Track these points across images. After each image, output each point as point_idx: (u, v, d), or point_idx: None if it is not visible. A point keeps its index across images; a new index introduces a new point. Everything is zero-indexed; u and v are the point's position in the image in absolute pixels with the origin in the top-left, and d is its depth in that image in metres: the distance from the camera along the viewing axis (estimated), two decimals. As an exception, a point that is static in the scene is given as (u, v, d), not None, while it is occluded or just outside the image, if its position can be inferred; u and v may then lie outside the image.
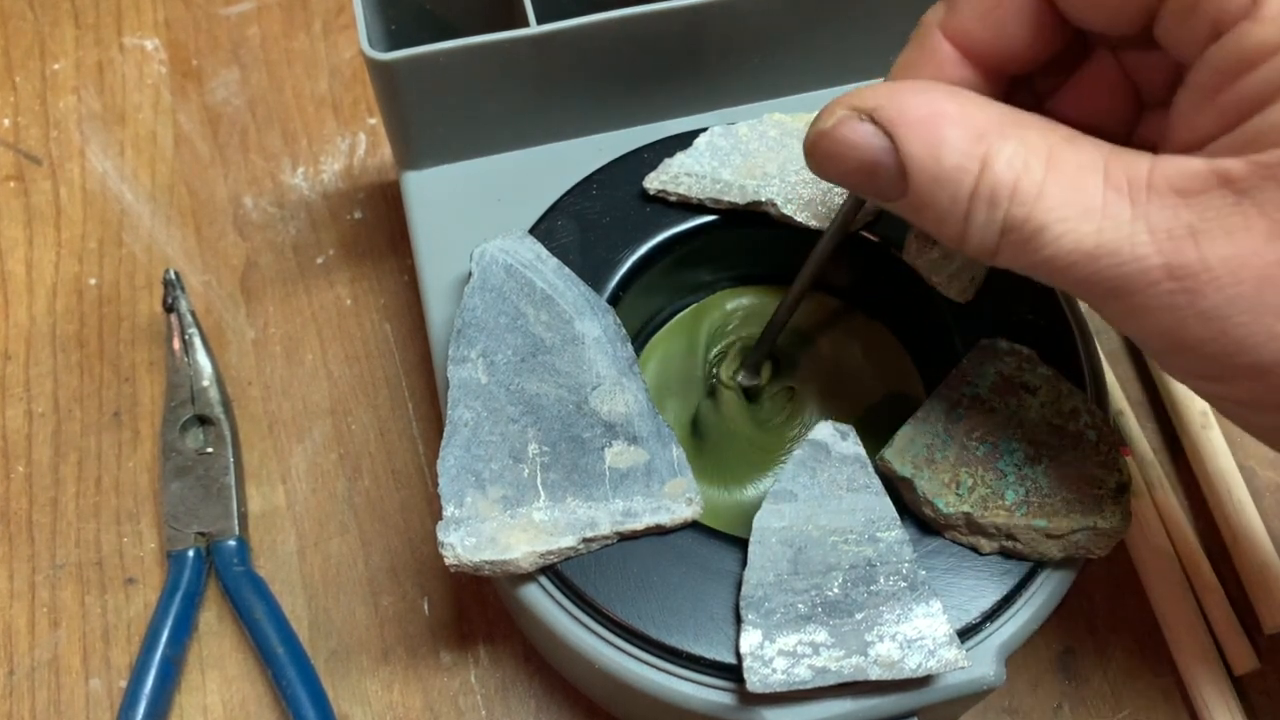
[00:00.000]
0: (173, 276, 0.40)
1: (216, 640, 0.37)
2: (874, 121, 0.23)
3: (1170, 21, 0.22)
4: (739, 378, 0.34)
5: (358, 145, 0.47)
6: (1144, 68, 0.26)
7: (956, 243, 0.23)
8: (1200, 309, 0.21)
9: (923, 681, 0.27)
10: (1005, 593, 0.28)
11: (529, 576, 0.29)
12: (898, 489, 0.29)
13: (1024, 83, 0.27)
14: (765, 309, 0.37)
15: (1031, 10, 0.24)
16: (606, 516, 0.29)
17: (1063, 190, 0.21)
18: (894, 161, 0.23)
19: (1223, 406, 0.24)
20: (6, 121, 0.47)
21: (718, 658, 0.28)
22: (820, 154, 0.25)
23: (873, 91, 0.24)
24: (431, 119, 0.34)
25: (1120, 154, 0.22)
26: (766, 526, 0.28)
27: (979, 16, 0.24)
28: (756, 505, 0.29)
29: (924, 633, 0.27)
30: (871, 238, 0.34)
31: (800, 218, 0.33)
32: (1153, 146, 0.23)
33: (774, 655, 0.27)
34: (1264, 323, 0.21)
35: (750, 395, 0.35)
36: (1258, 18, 0.20)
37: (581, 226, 0.34)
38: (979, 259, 0.23)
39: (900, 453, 0.29)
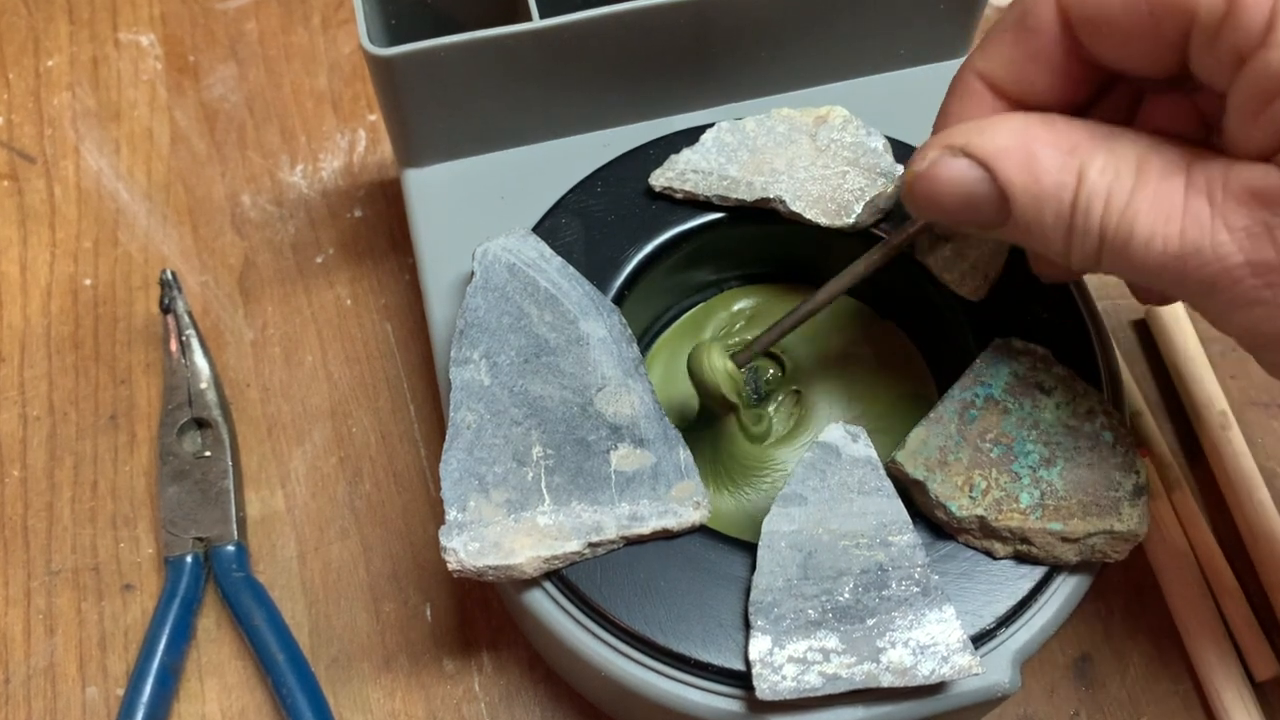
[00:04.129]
0: (169, 277, 0.40)
1: (215, 647, 0.36)
2: (968, 155, 0.24)
3: (1197, 56, 0.23)
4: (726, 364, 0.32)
5: (357, 142, 0.46)
6: (1199, 104, 0.26)
7: (1063, 257, 0.24)
8: None
9: (936, 688, 0.27)
10: (1020, 598, 0.28)
11: (533, 582, 0.29)
12: (910, 492, 0.29)
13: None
14: (773, 309, 0.36)
15: (1058, 60, 0.25)
16: (612, 520, 0.28)
17: (1149, 195, 0.23)
18: (993, 190, 0.24)
19: None
20: (0, 119, 0.47)
21: (726, 664, 0.27)
22: (920, 195, 0.26)
23: (962, 128, 0.25)
24: (433, 115, 0.34)
25: (1202, 158, 0.23)
26: (776, 530, 0.28)
27: (1005, 65, 0.25)
28: (765, 509, 0.29)
29: (937, 639, 0.27)
30: (881, 235, 0.33)
31: (809, 214, 0.32)
32: None
33: (784, 662, 0.27)
34: None
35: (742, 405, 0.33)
36: (1272, 43, 0.21)
37: (586, 224, 0.33)
38: (1085, 270, 0.25)
39: (912, 455, 0.29)
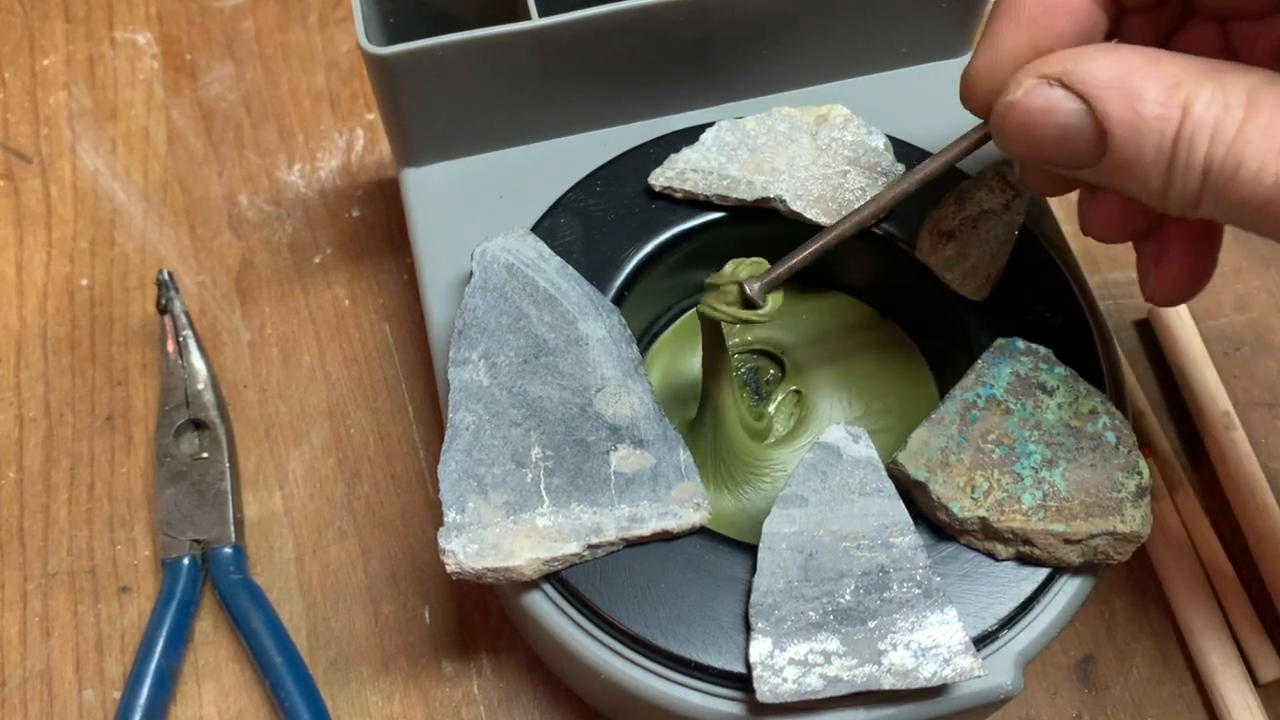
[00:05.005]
0: (166, 277, 0.40)
1: (212, 650, 0.36)
2: (1065, 86, 0.23)
3: None
4: (748, 287, 0.29)
5: (355, 141, 0.46)
6: (1249, 39, 0.26)
7: (1159, 199, 0.23)
8: None
9: (938, 691, 0.27)
10: (1022, 599, 0.28)
11: (533, 584, 0.29)
12: (911, 493, 0.29)
13: None
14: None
15: None
16: (612, 522, 0.28)
17: (1261, 127, 0.21)
18: (1090, 124, 0.23)
19: None
20: (-3, 119, 0.46)
21: (727, 667, 0.27)
22: (1012, 127, 0.24)
23: (1057, 57, 0.23)
24: (431, 114, 0.34)
25: None
26: (776, 532, 0.28)
27: None
28: (766, 510, 0.29)
29: (939, 641, 0.27)
30: (882, 233, 0.33)
31: (810, 214, 0.32)
32: None
33: (784, 664, 0.26)
34: None
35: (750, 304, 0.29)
36: None
37: (585, 224, 0.33)
38: (1182, 213, 0.23)
39: (914, 456, 0.29)
